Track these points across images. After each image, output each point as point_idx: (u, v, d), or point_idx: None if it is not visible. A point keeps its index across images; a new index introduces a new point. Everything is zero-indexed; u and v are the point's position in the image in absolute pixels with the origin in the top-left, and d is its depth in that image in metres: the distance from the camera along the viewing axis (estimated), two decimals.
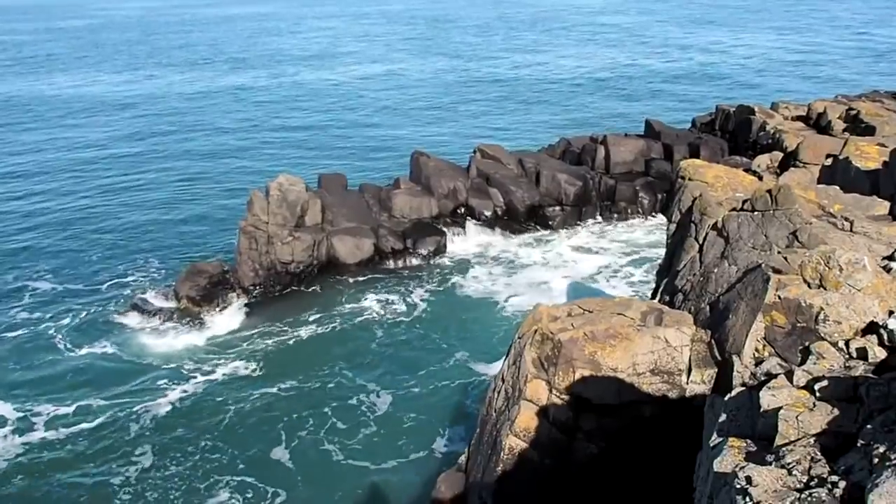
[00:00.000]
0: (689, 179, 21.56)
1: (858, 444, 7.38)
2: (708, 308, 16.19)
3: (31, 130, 67.35)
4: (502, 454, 15.63)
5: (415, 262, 35.54)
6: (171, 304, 32.83)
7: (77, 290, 35.36)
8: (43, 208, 46.93)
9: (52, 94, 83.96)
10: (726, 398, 10.02)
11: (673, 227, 21.25)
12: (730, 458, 8.28)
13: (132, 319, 32.25)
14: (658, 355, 14.94)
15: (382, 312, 31.82)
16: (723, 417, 9.53)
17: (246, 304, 32.70)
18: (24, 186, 51.27)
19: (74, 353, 30.11)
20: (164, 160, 57.09)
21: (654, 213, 39.66)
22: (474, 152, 41.46)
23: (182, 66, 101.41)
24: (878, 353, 10.71)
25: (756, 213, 16.96)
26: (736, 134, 42.77)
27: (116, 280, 36.08)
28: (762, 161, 33.70)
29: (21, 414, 26.03)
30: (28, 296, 35.00)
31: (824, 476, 7.10)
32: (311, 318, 31.57)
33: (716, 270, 16.79)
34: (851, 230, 16.72)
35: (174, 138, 63.91)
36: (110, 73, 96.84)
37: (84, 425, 25.35)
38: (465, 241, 37.09)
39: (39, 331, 31.83)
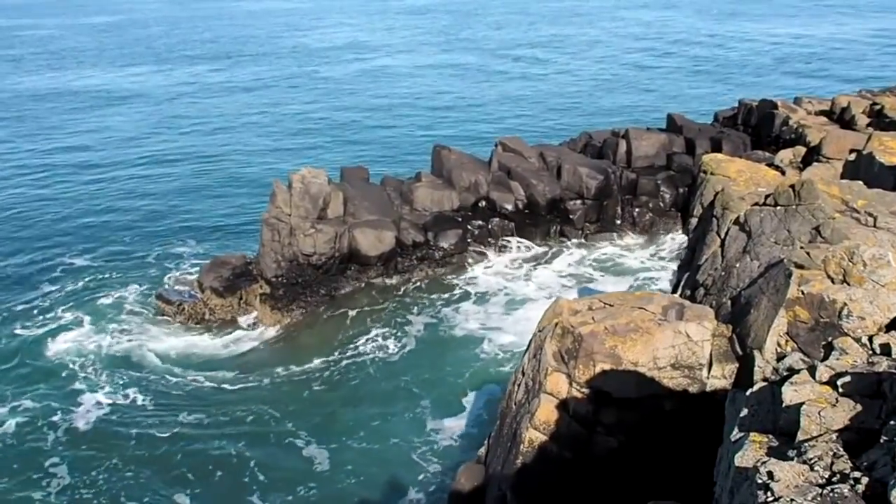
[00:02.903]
0: (712, 174, 21.52)
1: (881, 441, 7.37)
2: (729, 303, 16.16)
3: (54, 123, 68.05)
4: (522, 447, 15.69)
5: (419, 283, 34.57)
6: (195, 295, 33.20)
7: (101, 278, 36.04)
8: (68, 197, 47.73)
9: (77, 87, 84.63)
10: (748, 393, 10.02)
11: (695, 221, 21.21)
12: (751, 452, 8.29)
13: (145, 312, 32.81)
14: (679, 350, 14.94)
15: (366, 348, 29.96)
16: (744, 412, 9.52)
17: (263, 301, 32.77)
18: (48, 177, 51.99)
19: (67, 343, 30.67)
20: (188, 153, 57.54)
21: (672, 209, 39.41)
22: (496, 146, 41.37)
23: (206, 60, 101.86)
24: None
25: (779, 207, 16.91)
26: (758, 128, 42.43)
27: (140, 272, 36.59)
28: (785, 156, 33.48)
29: None
30: (47, 283, 35.74)
31: (847, 472, 7.10)
32: (294, 350, 30.13)
33: (738, 265, 16.76)
34: (875, 226, 16.63)
35: (198, 131, 64.36)
36: (135, 66, 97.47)
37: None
38: (475, 265, 36.25)
39: (48, 317, 32.58)
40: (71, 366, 29.04)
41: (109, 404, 26.77)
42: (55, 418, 25.92)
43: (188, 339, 31.01)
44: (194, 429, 25.52)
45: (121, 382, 28.03)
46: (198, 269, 35.26)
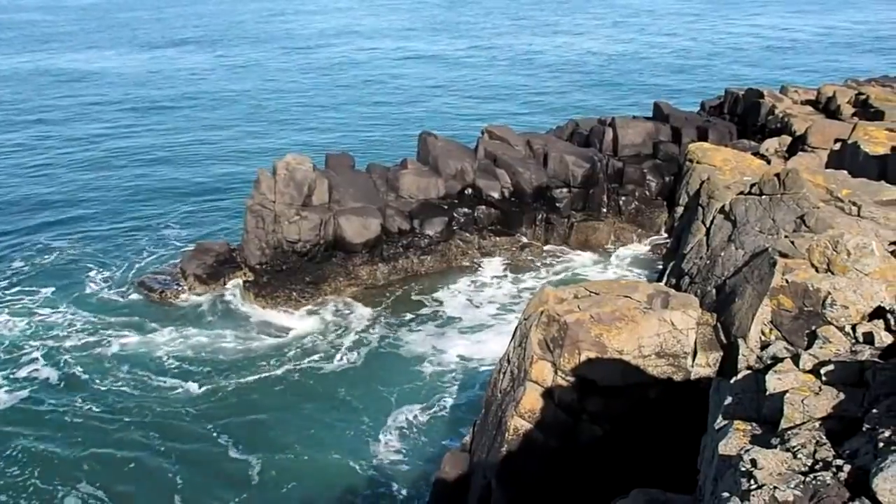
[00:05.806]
0: (698, 162, 21.57)
1: (864, 429, 7.40)
2: (714, 291, 16.21)
3: (36, 105, 67.43)
4: (507, 434, 15.70)
5: (408, 282, 34.37)
6: (177, 282, 33.05)
7: (74, 258, 36.00)
8: (47, 179, 47.53)
9: (59, 69, 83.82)
10: (732, 381, 10.05)
11: (680, 210, 21.26)
12: (735, 440, 8.32)
13: (115, 296, 32.67)
14: (664, 338, 14.98)
15: (313, 358, 28.60)
16: (728, 400, 9.55)
17: (246, 288, 32.59)
18: (29, 159, 51.67)
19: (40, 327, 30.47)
20: (171, 138, 57.15)
21: (658, 198, 39.44)
22: (482, 133, 41.25)
23: (191, 44, 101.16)
24: (884, 338, 10.68)
25: (764, 197, 16.94)
26: (744, 117, 42.50)
27: (123, 258, 36.33)
28: (770, 145, 33.58)
29: None
30: (18, 261, 35.84)
31: (829, 460, 7.12)
32: (266, 349, 29.27)
33: (723, 254, 16.80)
34: (859, 215, 16.72)
35: (181, 116, 63.92)
36: (119, 49, 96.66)
37: None
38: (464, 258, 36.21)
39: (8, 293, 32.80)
40: (19, 343, 28.88)
41: (42, 385, 26.52)
42: None
43: (152, 326, 30.39)
44: (122, 423, 24.67)
45: (66, 366, 27.58)
46: (175, 253, 35.25)
